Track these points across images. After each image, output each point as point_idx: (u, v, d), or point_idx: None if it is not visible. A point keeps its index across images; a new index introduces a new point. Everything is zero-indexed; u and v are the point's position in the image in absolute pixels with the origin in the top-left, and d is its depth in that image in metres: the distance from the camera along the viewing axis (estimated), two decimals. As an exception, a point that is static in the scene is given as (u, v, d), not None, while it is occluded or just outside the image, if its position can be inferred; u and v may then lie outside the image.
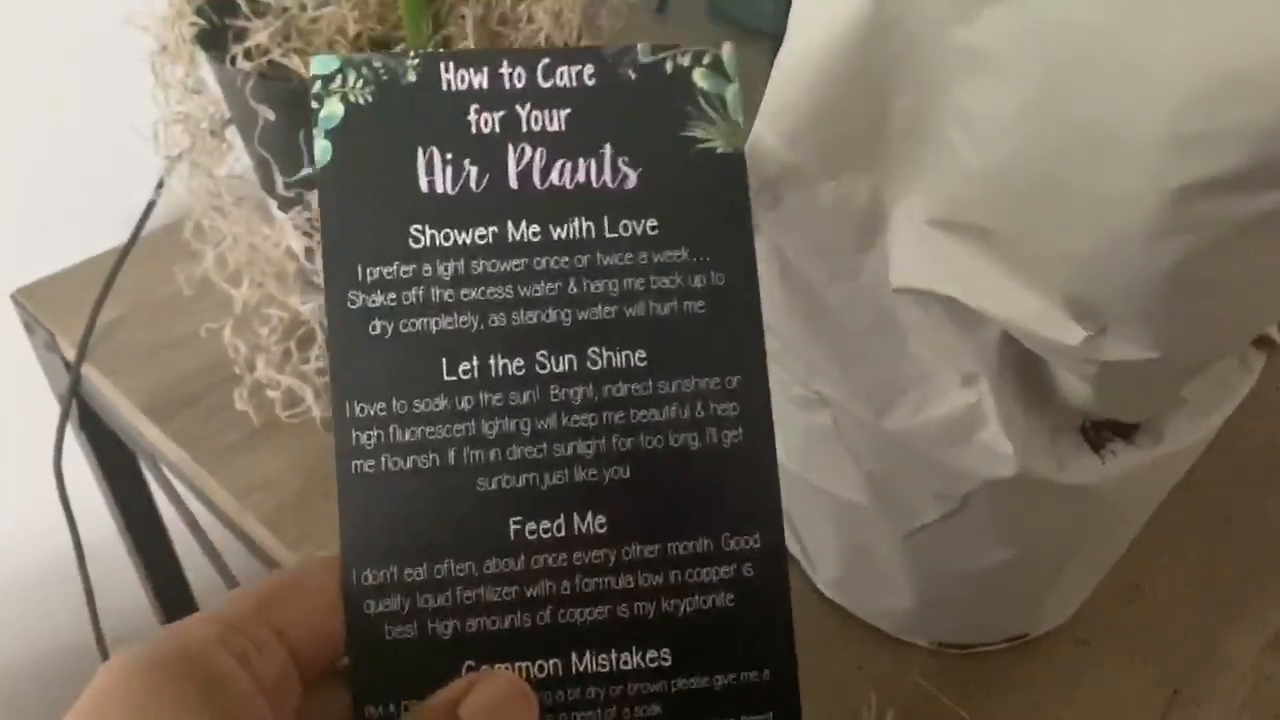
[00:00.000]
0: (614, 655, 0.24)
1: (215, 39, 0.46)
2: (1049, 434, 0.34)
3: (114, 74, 0.53)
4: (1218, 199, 0.22)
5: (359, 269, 0.25)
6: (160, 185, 0.54)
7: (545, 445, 0.25)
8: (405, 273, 0.25)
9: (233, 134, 0.50)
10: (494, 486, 0.24)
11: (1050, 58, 0.23)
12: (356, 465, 0.24)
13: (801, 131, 0.30)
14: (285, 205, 0.49)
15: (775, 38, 0.30)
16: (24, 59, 0.62)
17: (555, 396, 0.25)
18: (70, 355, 0.58)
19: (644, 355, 0.25)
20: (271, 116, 0.44)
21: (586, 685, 0.24)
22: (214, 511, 0.54)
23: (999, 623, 0.43)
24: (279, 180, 0.47)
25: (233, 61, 0.44)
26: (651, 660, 0.24)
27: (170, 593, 0.76)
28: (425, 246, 0.25)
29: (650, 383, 0.25)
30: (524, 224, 0.25)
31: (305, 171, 0.46)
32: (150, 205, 0.57)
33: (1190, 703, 0.43)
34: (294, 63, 0.44)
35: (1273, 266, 0.25)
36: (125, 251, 0.58)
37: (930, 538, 0.38)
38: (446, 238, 0.25)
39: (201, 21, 0.45)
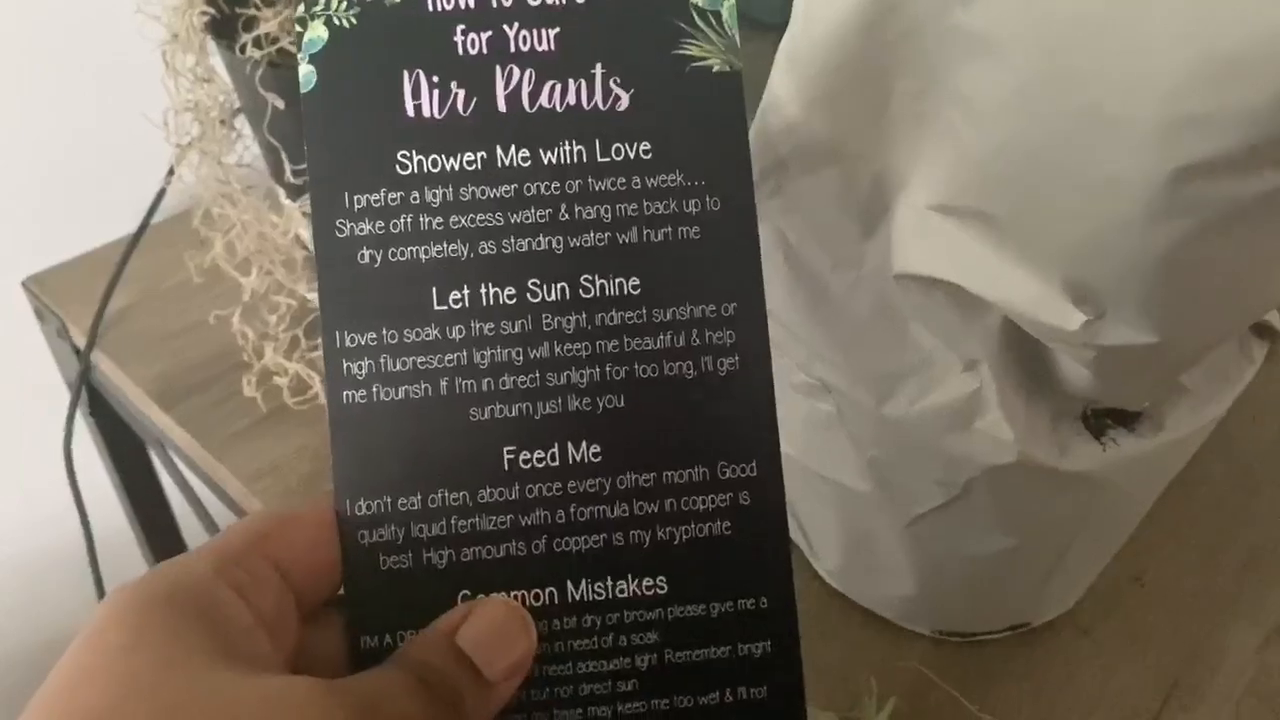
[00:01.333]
0: (610, 583, 0.24)
1: (225, 27, 0.46)
2: (1050, 421, 0.34)
3: (125, 62, 0.53)
4: (1214, 181, 0.23)
5: (346, 196, 0.24)
6: (170, 173, 0.54)
7: (538, 374, 0.24)
8: (393, 200, 0.25)
9: (242, 122, 0.50)
10: (487, 416, 0.24)
11: (1048, 41, 0.24)
12: (348, 395, 0.24)
13: (805, 117, 0.30)
14: (294, 193, 0.50)
15: (782, 30, 0.30)
16: (35, 48, 0.63)
17: (548, 325, 0.25)
18: (80, 342, 0.59)
19: (637, 283, 0.25)
20: (281, 105, 0.45)
21: (583, 613, 0.24)
22: (222, 497, 0.54)
23: (1000, 611, 0.44)
24: (288, 168, 0.47)
25: (242, 50, 0.45)
26: (648, 588, 0.24)
27: (178, 580, 0.76)
28: (413, 173, 0.25)
29: (644, 311, 0.25)
30: (513, 148, 0.25)
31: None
32: (160, 193, 0.57)
33: (1190, 693, 0.43)
34: (303, 51, 0.45)
35: (1269, 250, 0.25)
36: (135, 239, 0.59)
37: (932, 525, 0.38)
38: (434, 164, 0.25)
39: (212, 10, 0.46)
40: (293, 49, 0.45)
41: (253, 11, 0.46)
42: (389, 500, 0.24)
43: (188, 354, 0.56)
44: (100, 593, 0.64)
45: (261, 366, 0.52)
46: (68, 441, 0.61)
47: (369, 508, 0.24)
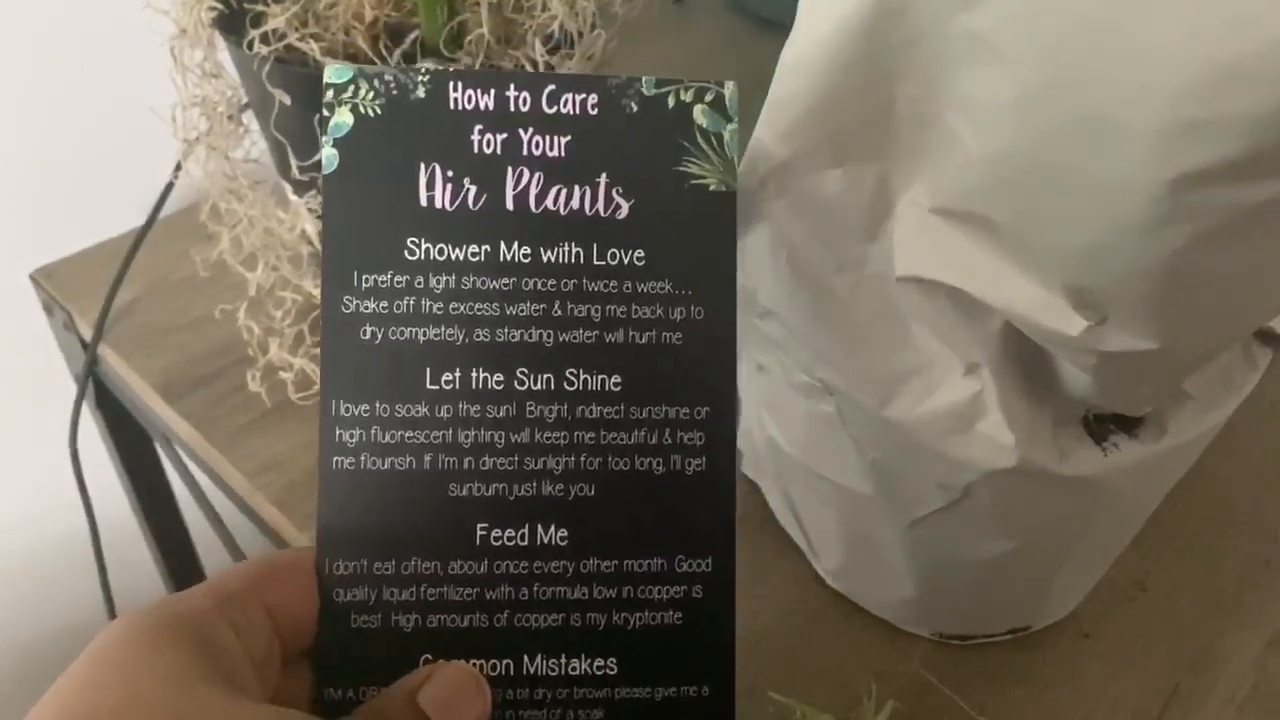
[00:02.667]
0: (564, 660, 0.26)
1: (233, 23, 0.46)
2: (1051, 425, 0.34)
3: (133, 57, 0.53)
4: (1215, 188, 0.23)
5: (355, 275, 0.26)
6: (178, 168, 0.54)
7: (517, 458, 0.26)
8: (399, 282, 0.26)
9: (249, 118, 0.50)
10: (465, 493, 0.26)
11: (1051, 45, 0.24)
12: (337, 461, 0.25)
13: (809, 119, 0.30)
14: (300, 189, 0.50)
15: (789, 28, 0.30)
16: (43, 43, 0.63)
17: (530, 412, 0.26)
18: (87, 335, 0.59)
19: (619, 380, 0.26)
20: (288, 101, 0.45)
21: (536, 686, 0.26)
22: (226, 491, 0.54)
23: (1001, 614, 0.44)
24: (294, 164, 0.47)
25: (250, 46, 0.45)
26: (599, 668, 0.26)
27: (183, 571, 0.77)
28: (420, 259, 0.26)
29: (622, 407, 0.26)
30: (516, 245, 0.26)
31: (320, 155, 0.46)
32: (168, 188, 0.58)
33: (1191, 698, 0.43)
34: (310, 48, 0.45)
35: (1270, 257, 0.25)
36: (142, 233, 0.59)
37: (932, 527, 0.38)
38: (441, 252, 0.26)
39: (220, 6, 0.46)
40: (300, 45, 0.45)
41: (260, 7, 0.46)
42: (365, 563, 0.25)
43: (193, 348, 0.57)
44: (105, 585, 0.64)
45: (266, 361, 0.52)
46: (73, 434, 0.61)
47: (347, 568, 0.25)
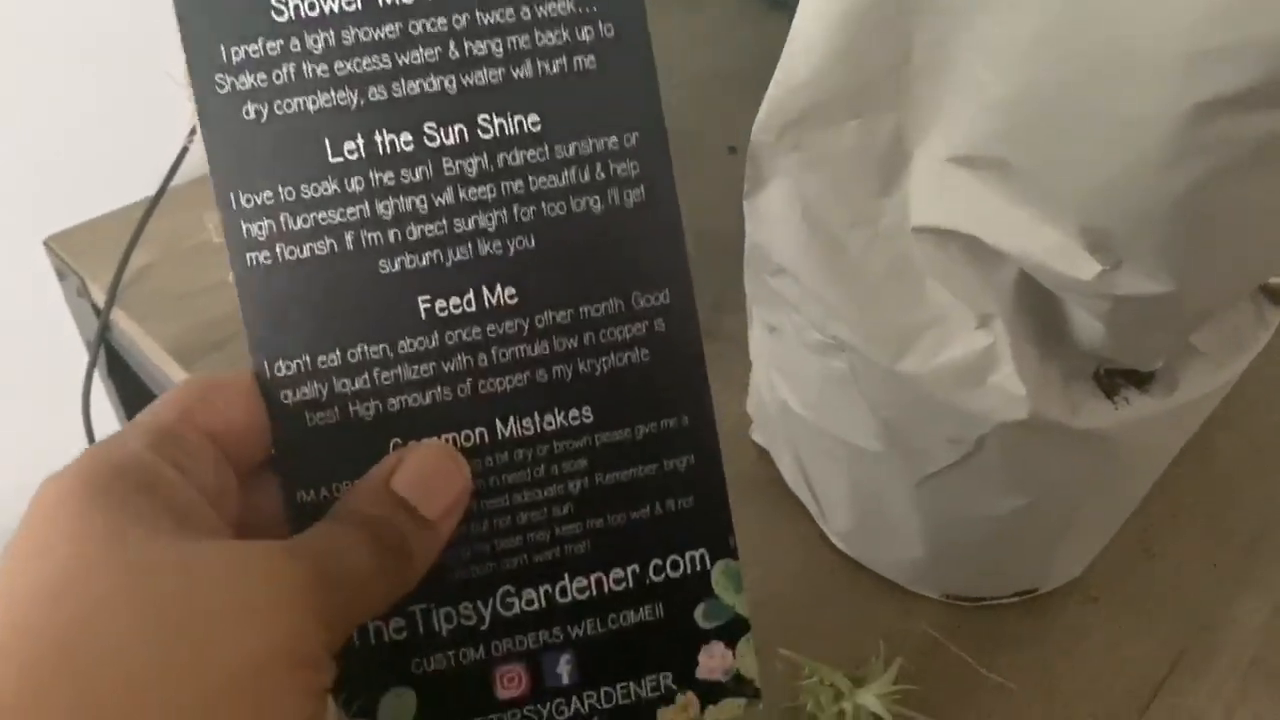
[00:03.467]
0: (537, 418, 0.25)
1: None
2: (1062, 379, 0.34)
3: (149, 22, 0.54)
4: (1234, 117, 0.23)
5: (223, 49, 0.24)
6: (192, 133, 0.54)
7: (445, 221, 0.24)
8: (273, 49, 0.24)
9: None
10: (397, 267, 0.24)
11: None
12: (251, 258, 0.24)
13: (826, 69, 0.30)
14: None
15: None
16: (59, 10, 0.63)
17: (449, 170, 0.24)
18: (100, 301, 0.59)
19: (537, 119, 0.24)
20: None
21: (514, 449, 0.25)
22: (238, 455, 0.54)
23: (1009, 576, 0.44)
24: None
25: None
26: (574, 419, 0.25)
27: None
28: (290, 18, 0.24)
29: (546, 147, 0.24)
30: None
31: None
32: (182, 154, 0.58)
33: (1197, 663, 0.43)
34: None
35: (1286, 195, 0.25)
36: (156, 199, 0.59)
37: (942, 484, 0.38)
38: (313, 7, 0.24)
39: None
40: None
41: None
42: (308, 359, 0.24)
43: (207, 313, 0.57)
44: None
45: (279, 325, 0.53)
46: (86, 400, 0.61)
47: (288, 368, 0.24)
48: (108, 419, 0.68)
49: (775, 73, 0.32)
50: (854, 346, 0.36)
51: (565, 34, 0.24)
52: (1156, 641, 0.44)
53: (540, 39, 0.24)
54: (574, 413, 0.25)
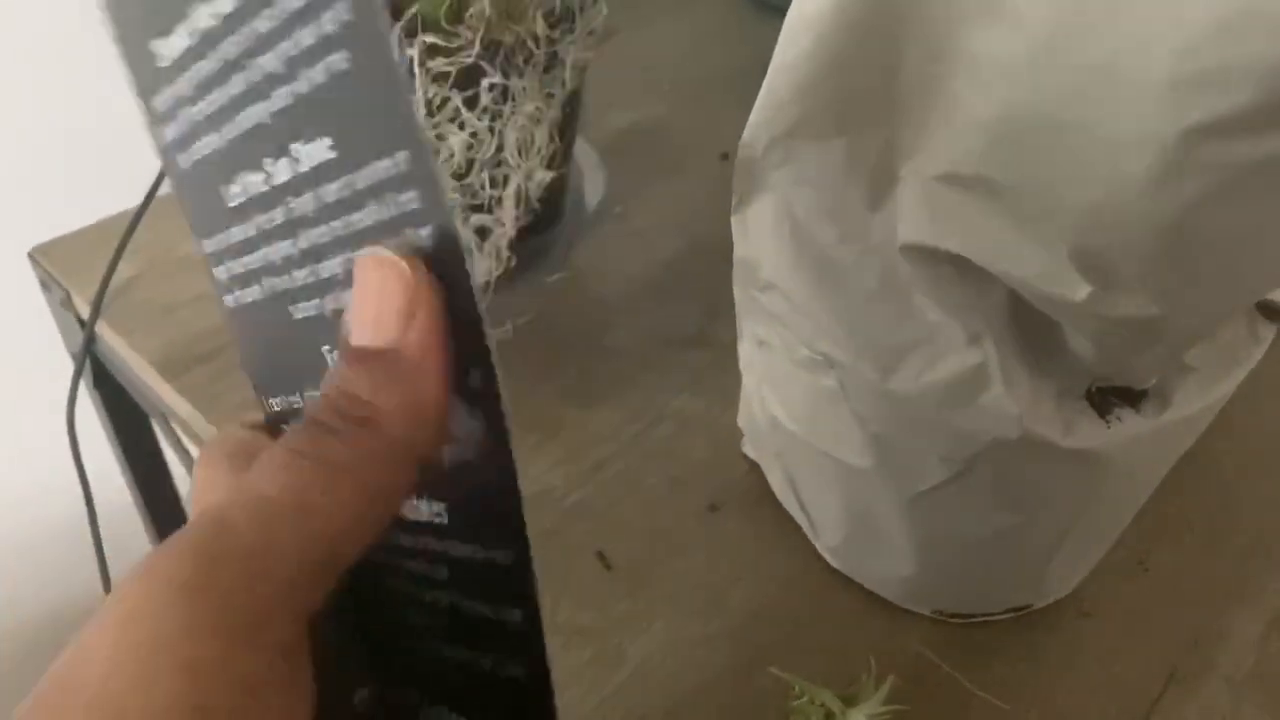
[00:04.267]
0: None
1: None
2: (1054, 397, 0.34)
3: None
4: (1223, 141, 0.22)
5: (148, 99, 0.23)
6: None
7: (311, 266, 0.21)
8: (170, 96, 0.22)
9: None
10: (306, 315, 0.21)
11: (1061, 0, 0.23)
12: (226, 300, 0.23)
13: (814, 84, 0.30)
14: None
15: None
16: (43, 19, 0.63)
17: (292, 210, 0.20)
18: (85, 313, 0.59)
19: (330, 143, 0.19)
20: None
21: None
22: (224, 469, 0.54)
23: (1001, 593, 0.43)
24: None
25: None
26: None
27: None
28: (168, 65, 0.21)
29: (342, 179, 0.19)
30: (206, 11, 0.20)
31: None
32: (167, 165, 0.57)
33: (1191, 678, 0.43)
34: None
35: (1275, 219, 0.25)
36: (141, 211, 0.58)
37: (934, 502, 0.38)
38: (174, 47, 0.21)
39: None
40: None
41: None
42: (299, 396, 0.23)
43: (192, 325, 0.56)
44: (103, 564, 0.64)
45: (265, 338, 0.52)
46: (71, 413, 0.61)
47: (280, 404, 0.24)
48: (93, 431, 0.67)
49: (762, 86, 0.32)
50: (843, 363, 0.36)
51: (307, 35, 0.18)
52: (1151, 657, 0.44)
53: (290, 50, 0.19)
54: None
